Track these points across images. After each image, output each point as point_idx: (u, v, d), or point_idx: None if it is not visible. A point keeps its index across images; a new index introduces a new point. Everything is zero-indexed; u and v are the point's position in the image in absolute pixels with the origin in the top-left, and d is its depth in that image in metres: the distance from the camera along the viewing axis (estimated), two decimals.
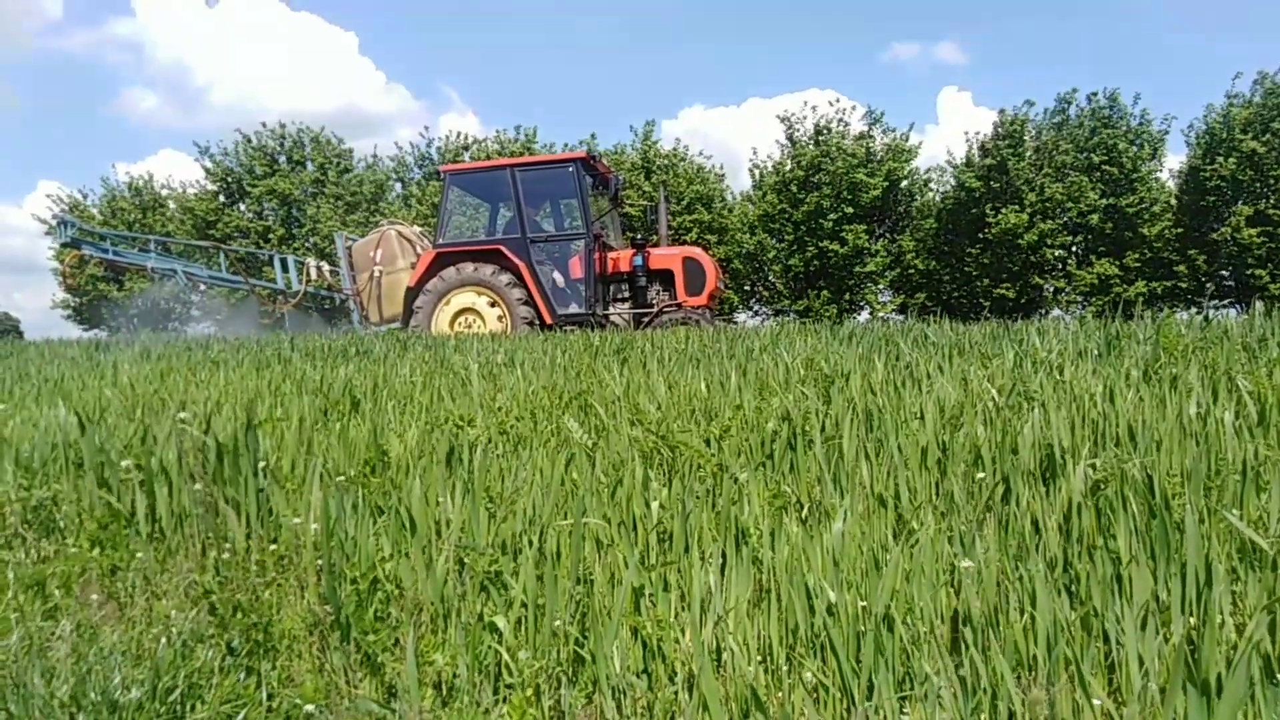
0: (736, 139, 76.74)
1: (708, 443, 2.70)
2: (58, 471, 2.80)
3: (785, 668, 1.72)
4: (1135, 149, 23.13)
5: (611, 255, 11.78)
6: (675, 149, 27.38)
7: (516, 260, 11.19)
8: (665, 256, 11.58)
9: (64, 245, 14.43)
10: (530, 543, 2.03)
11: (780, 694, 1.66)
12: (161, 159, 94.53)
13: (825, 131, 25.27)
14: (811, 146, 25.16)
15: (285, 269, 14.26)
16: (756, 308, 27.13)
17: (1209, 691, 1.35)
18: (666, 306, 11.18)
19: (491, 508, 2.17)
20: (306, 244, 27.69)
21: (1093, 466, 2.20)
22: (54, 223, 15.20)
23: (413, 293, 11.61)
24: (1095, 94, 23.99)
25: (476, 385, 3.84)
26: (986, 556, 1.91)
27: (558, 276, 11.58)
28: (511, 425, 2.97)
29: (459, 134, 29.17)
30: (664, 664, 1.73)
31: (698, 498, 2.42)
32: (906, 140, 25.04)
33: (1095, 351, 3.86)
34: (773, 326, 7.73)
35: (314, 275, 13.68)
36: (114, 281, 28.31)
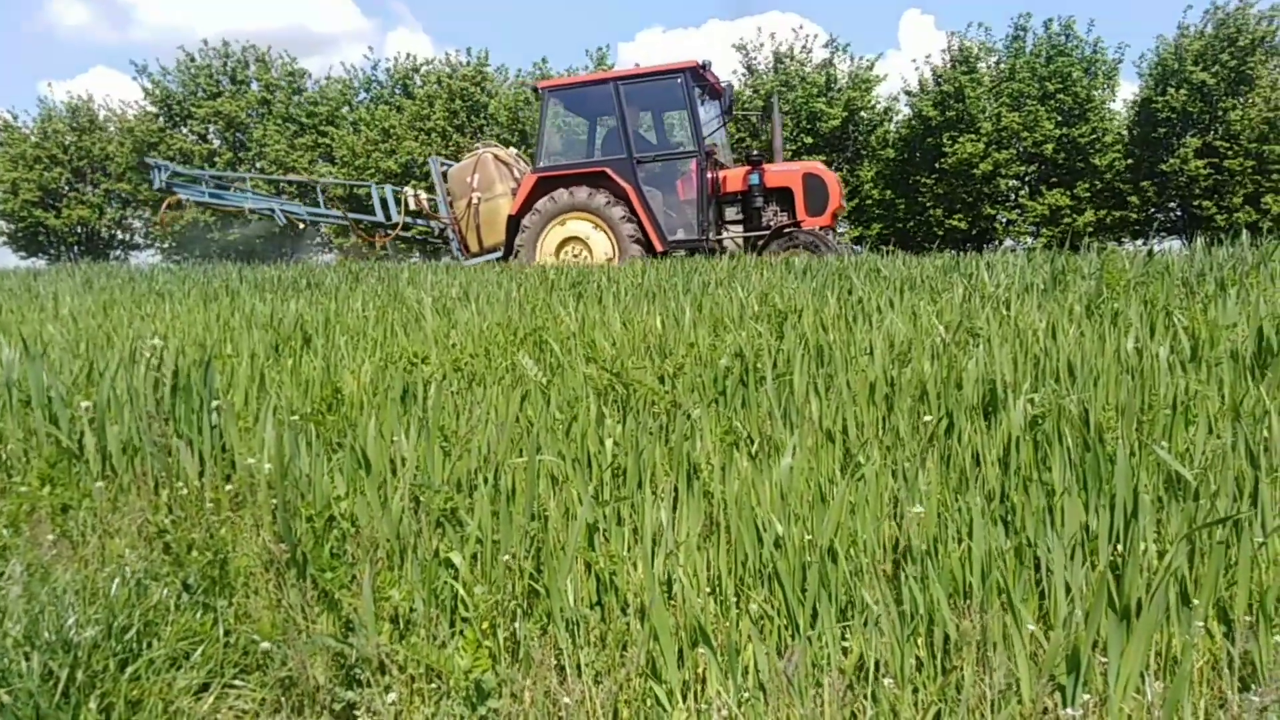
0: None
1: (662, 380, 2.73)
2: (0, 409, 2.75)
3: (734, 599, 1.79)
4: (1089, 78, 23.20)
5: (722, 174, 10.73)
6: None
7: (623, 183, 10.32)
8: (783, 173, 10.52)
9: (158, 191, 13.09)
10: (485, 480, 2.05)
11: (728, 623, 1.73)
12: (95, 77, 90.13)
13: (786, 59, 24.93)
14: (771, 75, 24.82)
15: (385, 202, 13.18)
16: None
17: (1129, 615, 1.43)
18: (786, 227, 10.19)
19: (446, 446, 2.18)
20: (254, 167, 26.81)
21: (1031, 401, 2.28)
22: (150, 166, 13.53)
23: (514, 221, 10.83)
24: (1050, 20, 23.90)
25: (430, 321, 3.82)
26: (928, 489, 1.99)
27: (667, 199, 10.73)
28: (466, 362, 2.97)
29: (408, 55, 28.26)
30: (617, 596, 1.78)
31: (651, 434, 2.46)
32: (871, 69, 24.81)
33: (1041, 286, 3.95)
34: (729, 260, 7.74)
35: (412, 205, 12.61)
36: (51, 208, 27.22)
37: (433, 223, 12.69)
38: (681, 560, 1.85)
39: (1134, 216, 23.21)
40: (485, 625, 1.73)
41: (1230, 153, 21.47)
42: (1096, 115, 23.00)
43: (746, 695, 1.53)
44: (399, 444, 2.22)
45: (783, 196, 10.55)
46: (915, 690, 1.52)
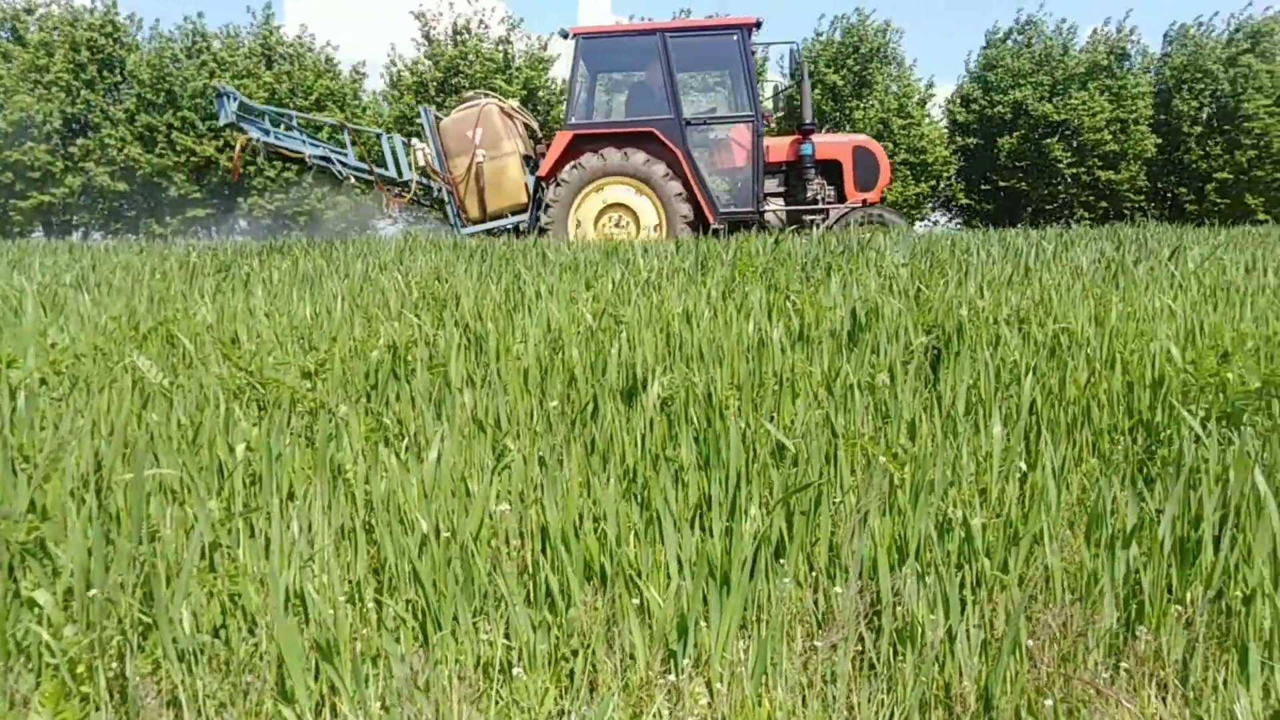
0: (366, 22, 71.72)
1: (307, 376, 2.58)
2: None
3: (373, 605, 1.74)
4: None
5: (765, 142, 9.94)
6: (300, 36, 24.97)
7: (671, 146, 9.28)
8: (834, 145, 9.90)
9: (227, 126, 9.73)
10: (84, 501, 1.81)
11: (367, 630, 1.68)
12: None
13: (464, 33, 24.58)
14: (450, 47, 24.38)
15: (394, 154, 10.74)
16: (396, 216, 26.14)
17: (728, 581, 1.60)
18: (854, 205, 9.61)
19: (25, 468, 1.89)
20: None
21: (662, 384, 2.45)
22: (218, 94, 9.18)
23: (540, 185, 9.48)
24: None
25: (31, 314, 3.28)
26: (570, 474, 2.07)
27: (707, 166, 9.80)
28: (69, 365, 2.59)
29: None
30: (245, 617, 1.66)
31: (295, 434, 2.32)
32: (545, 49, 25.20)
33: (687, 272, 4.28)
34: (399, 240, 7.51)
35: (420, 161, 10.35)
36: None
37: (433, 183, 10.76)
38: (316, 570, 1.76)
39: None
40: (81, 669, 1.53)
41: None
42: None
43: (381, 704, 1.50)
44: None
45: (829, 169, 10.00)
46: (550, 670, 1.59)
